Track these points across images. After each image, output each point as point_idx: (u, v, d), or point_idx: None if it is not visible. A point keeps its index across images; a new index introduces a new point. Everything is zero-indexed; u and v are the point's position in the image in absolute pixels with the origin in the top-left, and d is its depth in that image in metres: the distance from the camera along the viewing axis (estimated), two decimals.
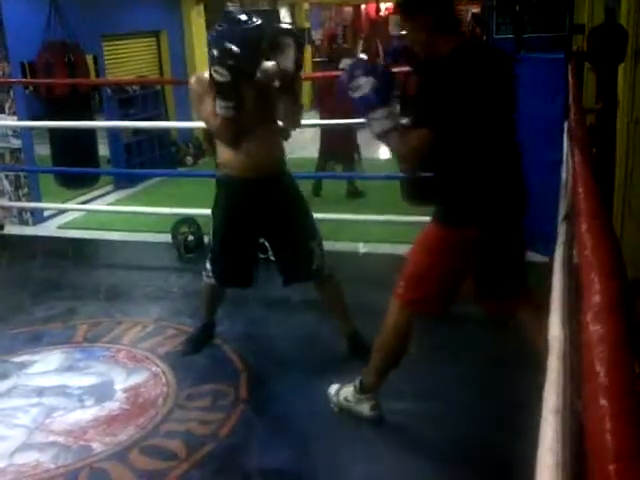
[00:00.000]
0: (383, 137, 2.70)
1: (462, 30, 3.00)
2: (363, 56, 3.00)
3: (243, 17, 3.21)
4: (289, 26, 3.46)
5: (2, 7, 6.60)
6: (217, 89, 3.14)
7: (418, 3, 2.67)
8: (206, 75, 3.31)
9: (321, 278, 3.63)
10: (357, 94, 2.66)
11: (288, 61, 3.25)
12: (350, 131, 7.52)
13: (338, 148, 7.59)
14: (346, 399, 3.16)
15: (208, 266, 3.69)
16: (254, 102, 3.29)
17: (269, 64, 3.31)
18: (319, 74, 10.42)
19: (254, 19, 3.21)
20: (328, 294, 3.71)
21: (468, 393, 3.33)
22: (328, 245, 3.70)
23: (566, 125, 3.63)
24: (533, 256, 3.80)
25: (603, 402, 0.79)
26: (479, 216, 2.68)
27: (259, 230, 3.59)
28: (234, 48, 3.06)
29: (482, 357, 3.64)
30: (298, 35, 3.36)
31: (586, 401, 0.85)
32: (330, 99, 7.19)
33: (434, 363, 3.58)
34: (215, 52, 3.10)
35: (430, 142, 2.58)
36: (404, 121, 2.78)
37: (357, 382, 3.10)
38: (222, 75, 3.08)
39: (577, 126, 2.85)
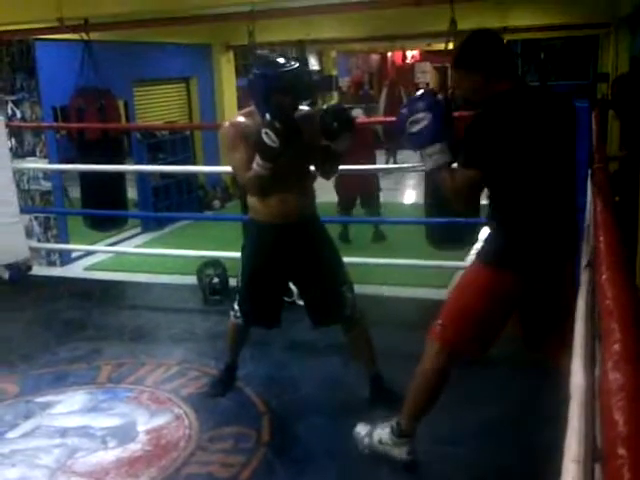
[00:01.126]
0: (436, 173, 2.70)
1: (517, 74, 2.96)
2: (424, 91, 2.98)
3: (281, 60, 3.21)
4: (346, 112, 3.43)
5: (37, 53, 6.79)
6: (260, 149, 3.09)
7: (472, 61, 2.67)
8: (240, 120, 3.29)
9: (352, 322, 3.61)
10: (415, 128, 2.67)
11: (341, 145, 3.29)
12: (372, 175, 7.51)
13: (358, 192, 7.50)
14: (381, 441, 3.09)
15: (236, 306, 3.70)
16: (291, 156, 3.20)
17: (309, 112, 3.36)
18: None
19: (291, 62, 3.20)
20: (356, 338, 3.69)
21: (491, 439, 3.29)
22: (356, 288, 3.70)
23: (590, 172, 3.63)
24: None
25: (622, 451, 0.79)
26: (523, 260, 2.65)
27: (288, 274, 3.59)
28: (288, 116, 3.07)
29: (509, 402, 3.60)
30: (351, 118, 3.36)
31: (605, 450, 0.85)
32: (354, 146, 7.19)
33: (460, 406, 3.55)
34: (268, 116, 3.07)
35: (477, 184, 2.60)
36: (455, 162, 2.77)
37: (394, 424, 3.02)
38: (272, 141, 3.03)
39: (600, 173, 2.85)
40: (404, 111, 2.74)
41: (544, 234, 2.67)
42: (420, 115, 2.66)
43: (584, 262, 2.58)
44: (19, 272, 6.32)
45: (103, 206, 6.48)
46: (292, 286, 5.32)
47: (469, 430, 3.37)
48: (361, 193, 7.52)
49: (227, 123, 3.41)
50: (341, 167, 3.60)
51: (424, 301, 5.07)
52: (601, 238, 1.83)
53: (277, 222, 3.37)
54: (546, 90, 2.87)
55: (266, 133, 3.03)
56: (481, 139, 2.57)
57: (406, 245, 6.44)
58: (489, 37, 2.75)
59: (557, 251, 2.71)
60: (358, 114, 8.73)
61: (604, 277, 1.52)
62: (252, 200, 3.42)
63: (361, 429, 3.19)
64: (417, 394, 2.91)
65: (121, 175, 6.98)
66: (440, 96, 3.00)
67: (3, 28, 5.88)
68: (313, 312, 3.63)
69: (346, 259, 3.75)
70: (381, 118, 10.73)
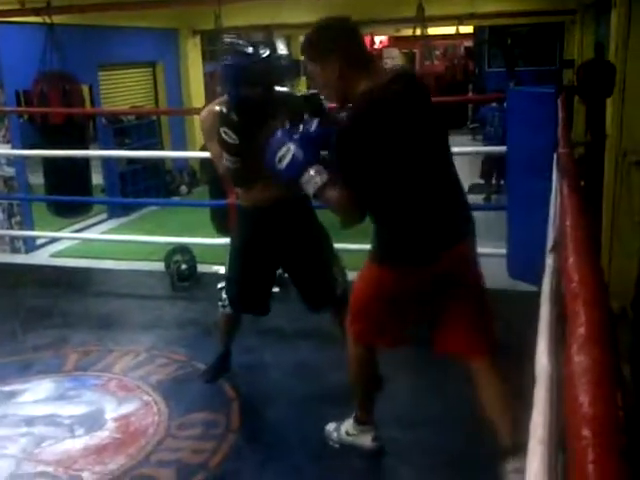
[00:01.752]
0: (320, 196, 2.55)
1: (375, 64, 2.71)
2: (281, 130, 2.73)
3: (250, 50, 3.14)
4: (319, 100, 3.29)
5: None
6: (222, 145, 3.07)
7: (328, 42, 2.49)
8: (216, 109, 3.20)
9: (342, 304, 3.55)
10: (283, 165, 2.53)
11: (312, 127, 3.22)
12: None
13: None
14: (347, 433, 3.13)
15: (223, 295, 3.65)
16: (263, 145, 3.17)
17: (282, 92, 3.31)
18: None
19: (261, 51, 3.15)
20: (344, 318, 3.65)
21: (455, 424, 3.32)
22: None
23: (555, 157, 3.67)
24: (524, 286, 3.81)
25: (586, 433, 0.80)
26: (397, 257, 2.59)
27: (275, 258, 3.51)
28: (244, 113, 3.03)
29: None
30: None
31: (570, 432, 0.86)
32: None
33: (426, 391, 3.58)
34: (224, 110, 3.04)
35: (355, 201, 2.49)
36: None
37: (355, 414, 3.09)
38: (230, 137, 3.03)
39: (566, 158, 2.87)
40: (270, 150, 2.58)
41: (419, 229, 2.57)
42: (283, 150, 2.53)
43: (549, 246, 2.61)
44: None
45: (68, 192, 6.41)
46: None
47: (434, 415, 3.40)
48: None
49: (205, 112, 3.35)
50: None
51: None
52: (567, 222, 1.84)
53: (260, 205, 3.32)
54: (400, 78, 2.52)
55: (224, 132, 3.03)
56: (347, 157, 2.44)
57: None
58: (341, 22, 2.57)
59: (438, 242, 2.59)
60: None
61: (570, 260, 1.53)
62: (237, 187, 3.41)
63: (330, 426, 3.22)
64: (352, 383, 3.01)
65: (86, 161, 6.91)
66: (307, 111, 2.81)
67: None
68: (306, 297, 3.57)
69: (343, 245, 3.70)
70: None
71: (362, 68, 2.48)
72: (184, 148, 10.17)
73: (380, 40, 17.45)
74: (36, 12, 5.93)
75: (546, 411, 1.36)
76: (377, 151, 2.42)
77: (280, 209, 3.34)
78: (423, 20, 6.04)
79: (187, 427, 3.42)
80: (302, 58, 11.50)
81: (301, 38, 11.87)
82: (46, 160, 6.69)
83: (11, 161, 6.82)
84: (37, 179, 7.34)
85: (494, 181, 8.78)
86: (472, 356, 2.71)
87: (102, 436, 3.35)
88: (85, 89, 7.75)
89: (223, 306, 3.67)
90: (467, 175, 9.55)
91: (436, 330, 2.74)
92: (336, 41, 2.46)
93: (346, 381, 3.45)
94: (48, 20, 6.27)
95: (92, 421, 3.49)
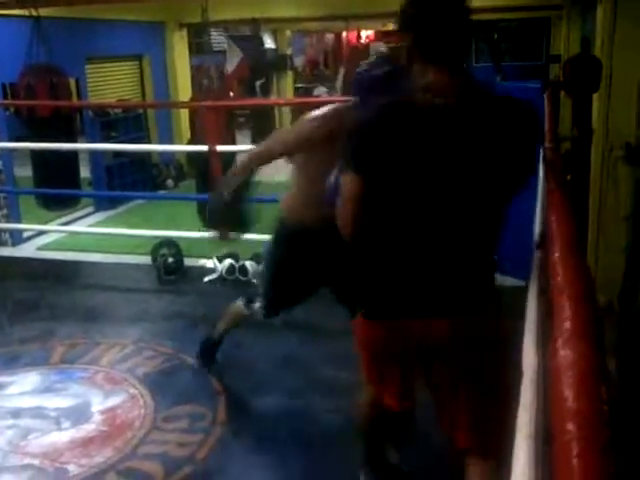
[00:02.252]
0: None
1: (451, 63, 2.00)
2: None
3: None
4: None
5: None
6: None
7: (404, 18, 2.03)
8: (328, 122, 2.84)
9: None
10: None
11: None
12: None
13: None
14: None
15: (258, 303, 3.43)
16: None
17: None
18: (299, 99, 10.49)
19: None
20: None
21: None
22: None
23: (541, 152, 3.67)
24: (510, 280, 3.82)
25: (570, 427, 0.80)
26: (382, 309, 2.14)
27: (322, 277, 3.27)
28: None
29: None
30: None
31: (555, 426, 0.86)
32: None
33: None
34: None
35: (357, 194, 2.03)
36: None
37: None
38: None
39: (551, 153, 2.88)
40: (330, 184, 2.47)
41: (400, 274, 2.09)
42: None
43: (535, 241, 2.62)
44: None
45: (55, 185, 6.37)
46: (248, 265, 5.32)
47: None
48: None
49: (332, 110, 2.95)
50: None
51: None
52: (552, 217, 1.85)
53: (311, 225, 3.01)
54: (472, 96, 1.96)
55: None
56: (355, 151, 2.04)
57: None
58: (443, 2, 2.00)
59: (416, 300, 2.08)
60: (321, 92, 8.71)
61: (555, 256, 1.53)
62: (294, 202, 3.15)
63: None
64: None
65: (75, 154, 6.86)
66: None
67: None
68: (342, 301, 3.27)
69: None
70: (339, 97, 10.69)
71: (434, 59, 1.96)
72: (171, 141, 10.12)
73: (367, 35, 17.42)
74: (22, 4, 5.86)
75: (532, 406, 1.36)
76: (381, 164, 1.97)
77: (329, 231, 2.82)
78: None
79: (173, 420, 3.41)
80: (289, 52, 11.36)
81: (288, 32, 11.82)
82: (34, 153, 6.63)
83: None
84: (25, 172, 7.28)
85: None
86: (466, 451, 2.19)
87: (88, 429, 3.34)
88: (72, 82, 7.68)
89: (248, 306, 3.51)
90: None
91: (436, 404, 2.23)
92: (417, 19, 1.99)
93: (335, 374, 3.47)
94: (34, 13, 6.21)
95: (78, 414, 3.47)
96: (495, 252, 2.17)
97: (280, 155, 3.09)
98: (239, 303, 3.58)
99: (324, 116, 2.93)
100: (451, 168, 1.94)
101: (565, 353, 1.02)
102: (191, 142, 7.19)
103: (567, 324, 1.12)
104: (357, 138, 2.03)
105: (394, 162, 1.96)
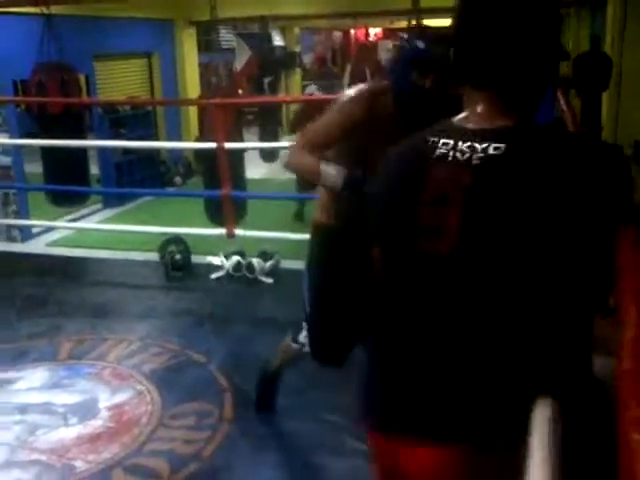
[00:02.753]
0: None
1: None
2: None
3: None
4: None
5: None
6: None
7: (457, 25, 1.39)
8: (369, 101, 2.50)
9: None
10: None
11: None
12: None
13: None
14: None
15: (303, 336, 3.07)
16: None
17: None
18: (306, 97, 10.44)
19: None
20: None
21: None
22: None
23: None
24: None
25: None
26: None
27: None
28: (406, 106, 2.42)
29: None
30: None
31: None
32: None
33: None
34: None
35: None
36: None
37: None
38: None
39: None
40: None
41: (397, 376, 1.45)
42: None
43: None
44: None
45: (65, 182, 6.37)
46: (255, 262, 5.31)
47: None
48: None
49: (359, 91, 2.58)
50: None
51: None
52: None
53: None
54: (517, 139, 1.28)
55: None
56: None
57: None
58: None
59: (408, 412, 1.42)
60: (312, 91, 8.66)
61: None
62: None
63: None
64: None
65: (84, 151, 6.86)
66: None
67: None
68: None
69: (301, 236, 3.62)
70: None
71: (480, 83, 1.33)
72: (179, 139, 10.12)
73: (375, 32, 17.39)
74: (34, 2, 5.86)
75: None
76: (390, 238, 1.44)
77: None
78: (418, 12, 6.00)
79: (180, 417, 3.40)
80: (297, 50, 11.32)
81: (296, 30, 11.78)
82: (44, 149, 6.64)
83: (8, 150, 6.77)
84: (34, 168, 7.29)
85: None
86: None
87: (96, 425, 3.33)
88: (82, 79, 7.68)
89: (296, 342, 3.16)
90: None
91: None
92: (462, 26, 1.37)
93: (340, 372, 3.43)
94: (45, 10, 6.21)
95: (86, 410, 3.47)
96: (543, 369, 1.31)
97: (325, 146, 2.61)
98: (287, 339, 3.25)
99: (362, 95, 2.55)
100: (483, 251, 1.28)
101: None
102: (199, 139, 7.17)
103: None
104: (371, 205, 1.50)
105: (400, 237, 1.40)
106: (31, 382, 3.78)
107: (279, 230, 5.62)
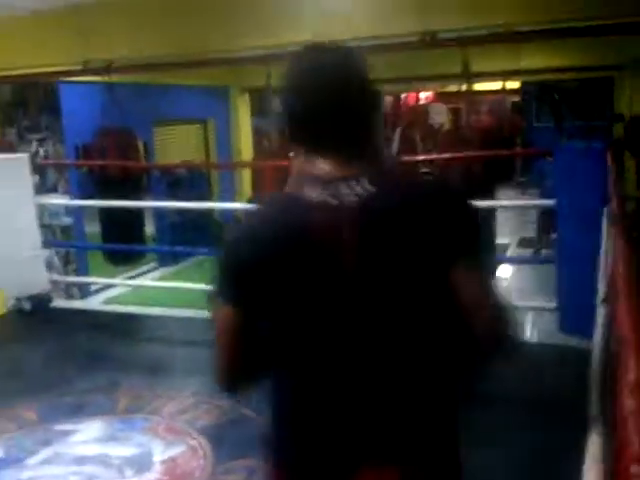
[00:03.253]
0: None
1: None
2: None
3: None
4: None
5: (61, 94, 6.93)
6: None
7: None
8: None
9: None
10: None
11: None
12: None
13: None
14: None
15: None
16: None
17: None
18: None
19: None
20: None
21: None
22: None
23: (606, 211, 3.65)
24: (575, 340, 3.77)
25: (635, 469, 0.81)
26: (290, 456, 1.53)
27: None
28: None
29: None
30: None
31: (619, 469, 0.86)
32: None
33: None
34: None
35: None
36: None
37: None
38: None
39: (618, 212, 2.86)
40: None
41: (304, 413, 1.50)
42: None
43: (600, 298, 2.59)
44: (40, 304, 6.37)
45: (123, 241, 6.55)
46: None
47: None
48: None
49: None
50: None
51: None
52: (619, 272, 1.84)
53: None
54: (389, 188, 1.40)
55: None
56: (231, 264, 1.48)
57: None
58: (307, 56, 1.46)
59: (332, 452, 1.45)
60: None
61: (621, 310, 1.53)
62: None
63: None
64: None
65: (140, 211, 7.06)
66: None
67: (30, 70, 6.01)
68: None
69: None
70: None
71: (316, 147, 1.42)
72: (233, 199, 10.32)
73: (426, 96, 17.61)
74: (97, 72, 6.13)
75: (599, 458, 1.35)
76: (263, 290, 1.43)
77: None
78: (469, 76, 6.09)
79: (232, 472, 3.42)
80: None
81: None
82: (102, 210, 6.85)
83: (69, 211, 7.01)
84: (94, 228, 7.51)
85: (547, 235, 8.68)
86: None
87: (150, 478, 3.37)
88: (140, 144, 7.94)
89: None
90: (516, 229, 9.52)
91: None
92: (285, 96, 1.47)
93: None
94: (108, 79, 6.48)
95: (141, 463, 3.51)
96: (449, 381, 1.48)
97: None
98: None
99: None
100: (357, 285, 1.37)
101: (630, 403, 1.02)
102: (252, 200, 7.31)
103: (632, 375, 1.12)
104: (229, 256, 1.47)
105: (280, 285, 1.40)
106: (88, 434, 3.85)
107: None
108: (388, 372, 1.41)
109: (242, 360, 1.55)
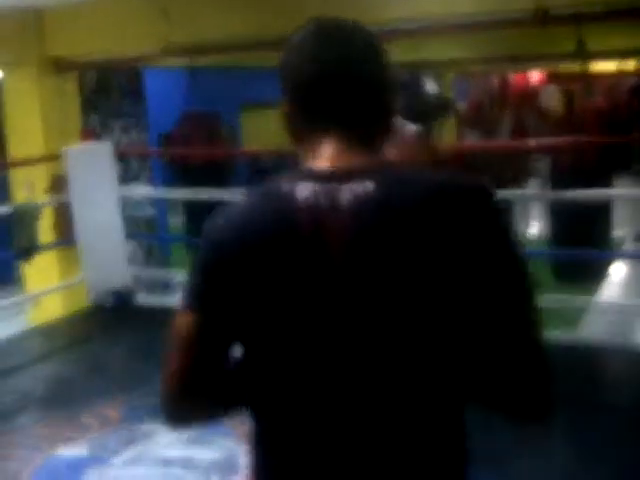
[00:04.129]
0: None
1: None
2: None
3: None
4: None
5: (144, 79, 7.19)
6: None
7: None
8: None
9: None
10: None
11: None
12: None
13: None
14: None
15: None
16: None
17: None
18: (458, 145, 10.54)
19: None
20: None
21: None
22: None
23: None
24: None
25: None
26: None
27: None
28: None
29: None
30: None
31: None
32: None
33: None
34: None
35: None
36: None
37: None
38: None
39: None
40: None
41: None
42: None
43: None
44: (122, 298, 6.62)
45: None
46: None
47: None
48: None
49: None
50: None
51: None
52: None
53: None
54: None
55: None
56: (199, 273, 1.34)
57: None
58: (312, 30, 1.33)
59: None
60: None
61: None
62: None
63: None
64: None
65: (225, 201, 7.27)
66: None
67: (112, 55, 6.26)
68: None
69: None
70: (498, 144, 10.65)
71: (320, 122, 1.31)
72: None
73: (536, 77, 17.30)
74: (180, 55, 6.32)
75: None
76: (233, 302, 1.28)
77: None
78: (584, 56, 6.00)
79: None
80: (451, 96, 11.43)
81: (450, 75, 11.91)
82: (186, 200, 7.06)
83: (152, 202, 7.26)
84: (176, 219, 7.75)
85: None
86: None
87: None
88: (226, 130, 8.14)
89: None
90: (633, 222, 9.32)
91: None
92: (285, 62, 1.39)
93: None
94: (191, 63, 6.67)
95: (227, 466, 3.67)
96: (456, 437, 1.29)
97: None
98: None
99: None
100: (354, 310, 1.20)
101: None
102: None
103: None
104: (200, 261, 1.33)
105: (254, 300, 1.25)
106: (172, 436, 4.02)
107: None
108: (381, 421, 1.23)
109: (199, 379, 1.35)
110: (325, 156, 1.27)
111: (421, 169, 1.39)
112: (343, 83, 1.27)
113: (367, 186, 1.19)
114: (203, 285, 1.30)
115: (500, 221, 1.21)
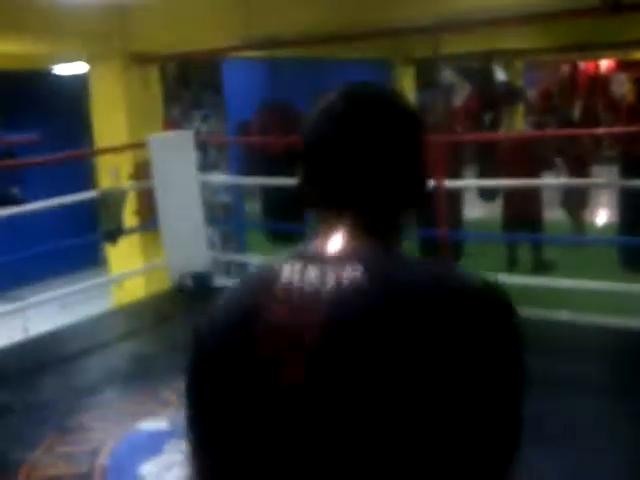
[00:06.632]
0: None
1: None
2: None
3: None
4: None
5: (223, 71, 7.24)
6: None
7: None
8: None
9: None
10: None
11: None
12: (536, 192, 7.26)
13: (524, 212, 7.10)
14: None
15: None
16: None
17: None
18: (527, 134, 10.31)
19: None
20: None
21: None
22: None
23: None
24: None
25: None
26: None
27: None
28: None
29: None
30: None
31: None
32: (513, 162, 7.00)
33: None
34: None
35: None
36: None
37: None
38: None
39: None
40: None
41: None
42: None
43: None
44: (202, 281, 6.70)
45: (283, 220, 6.76)
46: None
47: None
48: (526, 213, 7.16)
49: None
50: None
51: (607, 329, 4.85)
52: None
53: None
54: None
55: None
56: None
57: (586, 266, 6.20)
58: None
59: None
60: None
61: None
62: None
63: None
64: None
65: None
66: None
67: (192, 48, 6.32)
68: None
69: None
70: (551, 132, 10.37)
71: (331, 200, 1.13)
72: None
73: (606, 65, 16.84)
74: (259, 47, 6.35)
75: None
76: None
77: None
78: None
79: None
80: (520, 84, 11.19)
81: (519, 64, 11.58)
82: (263, 189, 7.09)
83: (229, 189, 7.33)
84: (252, 206, 7.80)
85: None
86: None
87: None
88: (302, 119, 8.16)
89: None
90: None
91: None
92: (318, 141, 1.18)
93: None
94: (270, 54, 6.69)
95: None
96: None
97: None
98: None
99: None
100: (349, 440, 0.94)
101: None
102: None
103: None
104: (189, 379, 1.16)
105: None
106: None
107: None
108: None
109: None
110: (332, 236, 1.08)
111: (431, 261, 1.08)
112: (363, 165, 1.10)
113: (355, 274, 0.99)
114: (190, 410, 1.12)
115: (516, 354, 0.97)
